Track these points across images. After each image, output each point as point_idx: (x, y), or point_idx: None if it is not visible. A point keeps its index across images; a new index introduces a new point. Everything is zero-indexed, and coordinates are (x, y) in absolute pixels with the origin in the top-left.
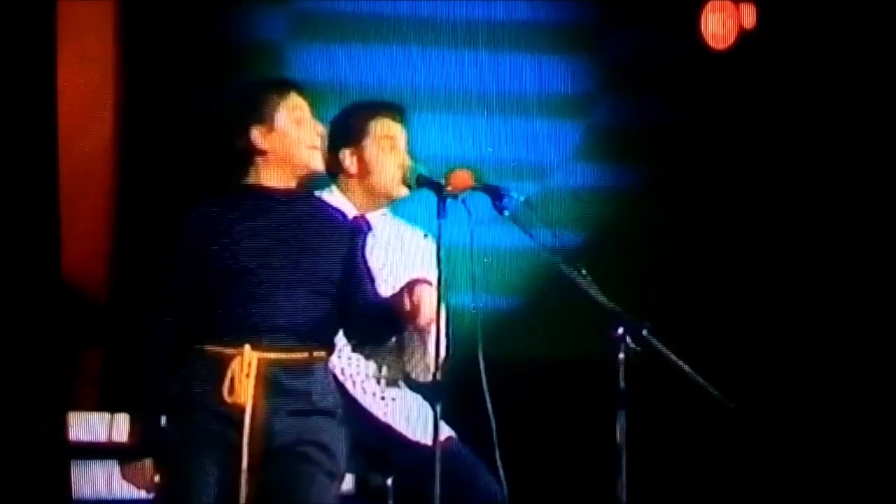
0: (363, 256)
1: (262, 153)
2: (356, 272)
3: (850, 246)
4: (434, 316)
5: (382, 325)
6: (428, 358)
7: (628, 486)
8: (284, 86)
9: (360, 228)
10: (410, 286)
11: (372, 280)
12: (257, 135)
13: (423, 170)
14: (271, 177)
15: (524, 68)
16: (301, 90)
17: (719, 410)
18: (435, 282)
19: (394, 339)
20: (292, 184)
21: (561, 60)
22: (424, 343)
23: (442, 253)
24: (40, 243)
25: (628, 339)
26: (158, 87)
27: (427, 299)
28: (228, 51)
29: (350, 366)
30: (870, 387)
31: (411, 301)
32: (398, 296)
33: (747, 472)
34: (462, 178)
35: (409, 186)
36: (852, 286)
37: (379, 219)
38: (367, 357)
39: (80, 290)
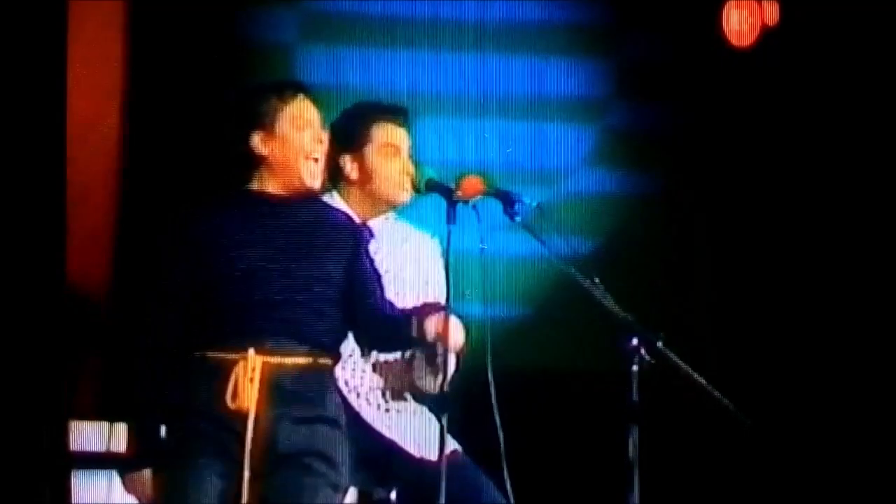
0: (370, 260)
1: (263, 158)
2: (363, 276)
3: (877, 253)
4: (462, 342)
5: (394, 336)
6: (438, 369)
7: (640, 502)
8: (289, 89)
9: (363, 232)
10: (428, 312)
11: (380, 284)
12: (258, 140)
13: (432, 174)
14: (273, 182)
15: (537, 71)
16: (308, 93)
17: (736, 426)
18: (444, 292)
19: (405, 352)
20: (294, 190)
21: (575, 62)
22: (436, 355)
23: (451, 259)
24: (44, 252)
25: (642, 351)
26: (167, 88)
27: (454, 330)
28: (237, 52)
29: (354, 377)
30: (893, 404)
31: (436, 329)
32: (418, 320)
33: (764, 490)
34: (473, 183)
35: (417, 191)
36: (879, 298)
37: (381, 223)
38: (373, 369)
39: (83, 297)
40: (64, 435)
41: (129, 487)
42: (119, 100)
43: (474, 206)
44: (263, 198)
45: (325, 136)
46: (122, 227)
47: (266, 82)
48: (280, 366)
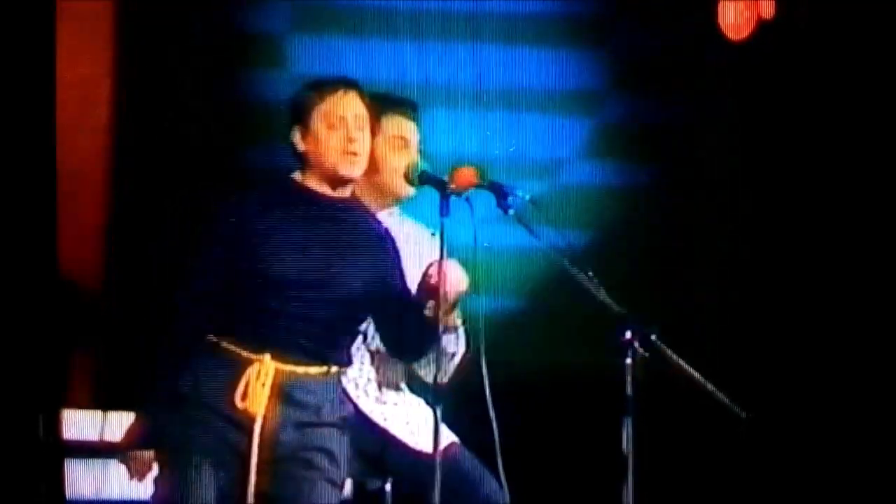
0: (402, 280)
1: (303, 155)
2: (395, 298)
3: (871, 246)
4: (463, 287)
5: (419, 335)
6: (444, 356)
7: (634, 494)
8: (330, 86)
9: (399, 251)
10: (430, 266)
11: (409, 298)
12: (298, 136)
13: (426, 166)
14: (314, 180)
15: (532, 63)
16: (352, 88)
17: (730, 419)
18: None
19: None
20: (334, 190)
21: (569, 54)
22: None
23: (445, 252)
24: (37, 240)
25: (636, 344)
26: (157, 79)
27: (452, 272)
28: (229, 44)
29: (352, 368)
30: (887, 396)
31: (437, 276)
32: (420, 282)
33: (758, 482)
34: (466, 175)
35: (410, 183)
36: (873, 291)
37: (386, 217)
38: (371, 360)
39: (76, 287)
40: (57, 424)
41: (125, 461)
42: (109, 89)
43: (467, 199)
44: (307, 195)
45: (359, 134)
46: (116, 217)
47: (315, 79)
48: (293, 374)
